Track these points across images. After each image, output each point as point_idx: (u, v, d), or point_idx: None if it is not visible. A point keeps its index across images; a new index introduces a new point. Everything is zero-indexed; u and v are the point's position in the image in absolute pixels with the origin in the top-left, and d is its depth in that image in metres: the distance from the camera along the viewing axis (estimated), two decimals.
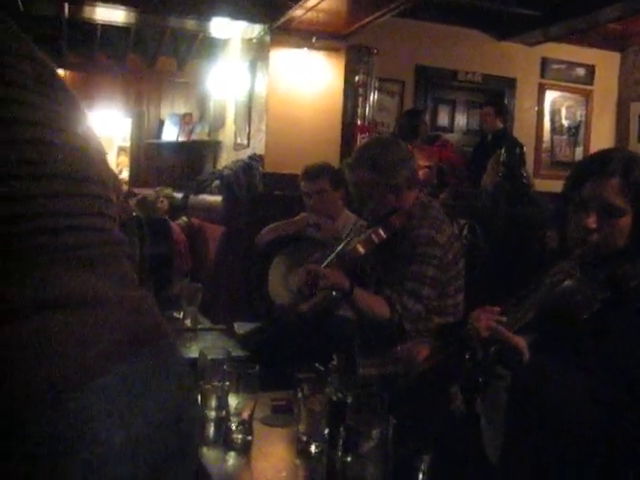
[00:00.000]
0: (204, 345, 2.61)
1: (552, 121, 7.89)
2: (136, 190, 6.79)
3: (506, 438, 1.64)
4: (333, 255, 2.61)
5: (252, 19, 5.79)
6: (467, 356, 1.62)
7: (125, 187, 7.38)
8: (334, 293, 2.56)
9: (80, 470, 0.70)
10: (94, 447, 0.72)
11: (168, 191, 6.28)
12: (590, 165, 1.75)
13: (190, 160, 7.93)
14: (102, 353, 0.76)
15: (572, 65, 7.81)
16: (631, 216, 1.65)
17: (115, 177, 4.65)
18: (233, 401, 1.76)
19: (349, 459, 1.44)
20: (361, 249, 2.63)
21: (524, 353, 1.54)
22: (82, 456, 0.71)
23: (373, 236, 2.64)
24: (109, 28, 6.83)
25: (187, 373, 0.90)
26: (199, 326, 3.16)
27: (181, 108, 8.18)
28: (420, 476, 1.41)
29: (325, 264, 2.55)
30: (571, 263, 1.67)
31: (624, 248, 1.66)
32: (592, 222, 1.66)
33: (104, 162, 0.97)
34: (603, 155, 1.77)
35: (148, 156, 8.08)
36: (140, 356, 0.80)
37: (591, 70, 7.89)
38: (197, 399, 0.99)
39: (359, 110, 6.12)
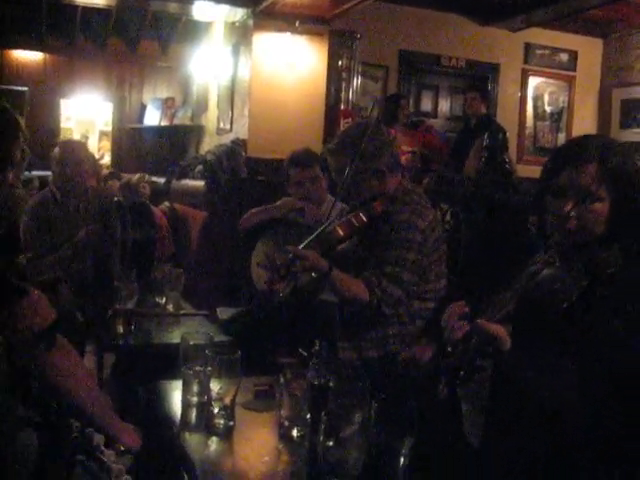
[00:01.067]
0: (186, 330, 2.61)
1: (535, 107, 7.91)
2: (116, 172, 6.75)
3: (487, 424, 1.65)
4: (312, 237, 2.61)
5: (235, 2, 5.75)
6: (449, 349, 1.62)
7: (106, 170, 7.33)
8: (313, 274, 2.56)
9: None
10: None
11: (147, 177, 6.25)
12: (567, 152, 1.75)
13: (172, 145, 7.87)
14: None
15: (555, 51, 7.82)
16: (609, 202, 1.65)
17: (94, 160, 4.60)
18: (215, 386, 1.76)
19: (331, 443, 1.44)
20: (340, 232, 2.63)
21: (505, 341, 1.54)
22: None
23: (353, 220, 2.64)
24: (90, 11, 6.75)
25: None
26: (181, 311, 3.15)
27: (163, 92, 8.12)
28: (402, 460, 1.42)
29: (303, 245, 2.55)
30: (550, 252, 1.67)
31: (602, 235, 1.67)
32: (570, 209, 1.66)
33: None
34: (580, 142, 1.76)
35: (130, 141, 8.03)
36: None
37: (574, 56, 7.91)
38: None
39: (342, 95, 6.11)
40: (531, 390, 1.55)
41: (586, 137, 1.80)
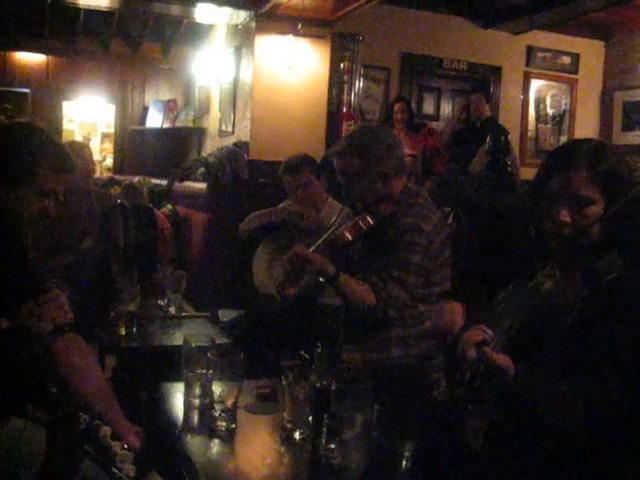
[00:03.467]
0: (188, 332, 2.60)
1: (537, 110, 7.90)
2: (116, 177, 6.76)
3: (489, 429, 1.64)
4: (320, 241, 2.60)
5: (237, 5, 5.75)
6: (458, 376, 1.61)
7: (107, 172, 7.34)
8: (320, 279, 2.56)
9: None
10: None
11: (147, 180, 6.28)
12: (557, 158, 1.74)
13: (174, 147, 7.87)
14: None
15: (557, 54, 7.82)
16: (603, 205, 1.64)
17: (92, 164, 4.61)
18: (217, 389, 1.76)
19: (333, 446, 1.44)
20: (348, 235, 2.63)
21: (510, 370, 1.53)
22: None
23: (361, 223, 2.64)
24: (92, 13, 6.75)
25: None
26: (183, 313, 3.15)
27: (166, 94, 8.12)
28: (404, 462, 1.42)
29: (312, 249, 2.55)
30: (550, 262, 1.66)
31: (600, 238, 1.66)
32: (565, 215, 1.65)
33: None
34: (569, 147, 1.76)
35: (132, 143, 8.03)
36: None
37: (576, 59, 7.90)
38: None
39: (344, 97, 6.10)
40: (534, 412, 1.54)
41: (576, 142, 1.80)
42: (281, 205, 3.88)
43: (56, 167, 2.04)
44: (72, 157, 2.16)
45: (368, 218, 2.64)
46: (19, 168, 1.97)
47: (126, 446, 1.77)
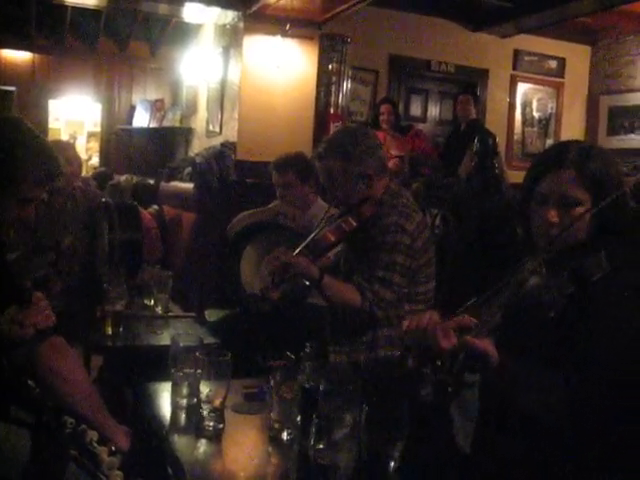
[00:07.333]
0: (175, 332, 2.59)
1: (523, 113, 7.95)
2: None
3: (477, 430, 1.65)
4: (304, 244, 2.60)
5: (226, 5, 5.75)
6: (438, 363, 1.61)
7: (92, 170, 7.32)
8: (306, 282, 2.56)
9: None
10: None
11: (134, 179, 6.28)
12: (546, 159, 1.76)
13: (161, 147, 7.85)
14: None
15: (544, 57, 7.87)
16: (590, 206, 1.66)
17: (81, 162, 4.59)
18: (205, 389, 1.75)
19: (321, 446, 1.44)
20: (331, 237, 2.64)
21: (493, 356, 1.53)
22: None
23: (343, 225, 2.65)
24: (79, 11, 6.72)
25: None
26: (170, 313, 3.14)
27: (153, 94, 8.10)
28: (392, 463, 1.42)
29: (296, 252, 2.55)
30: (537, 260, 1.67)
31: (587, 239, 1.67)
32: (553, 216, 1.67)
33: None
34: (558, 149, 1.79)
35: (119, 142, 8.00)
36: None
37: (562, 63, 7.95)
38: None
39: (332, 98, 6.11)
40: (519, 404, 1.55)
41: (564, 143, 1.82)
42: (270, 205, 3.88)
43: (42, 178, 1.96)
44: (60, 163, 2.07)
45: (351, 220, 2.65)
46: (1, 178, 1.89)
47: (114, 449, 1.76)
